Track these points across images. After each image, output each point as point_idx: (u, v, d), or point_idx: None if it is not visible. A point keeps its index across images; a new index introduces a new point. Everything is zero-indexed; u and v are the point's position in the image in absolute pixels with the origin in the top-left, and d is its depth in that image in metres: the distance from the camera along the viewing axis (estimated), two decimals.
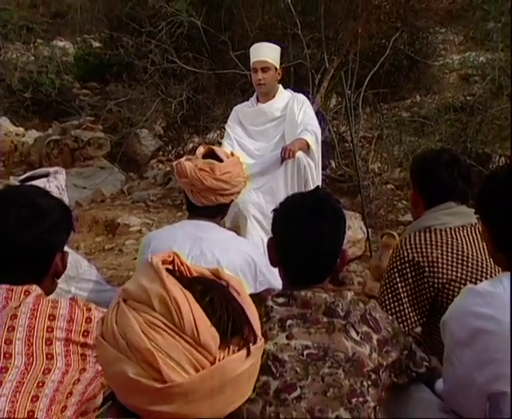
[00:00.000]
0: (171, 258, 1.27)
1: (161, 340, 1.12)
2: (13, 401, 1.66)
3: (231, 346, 1.16)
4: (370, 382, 1.92)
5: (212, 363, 1.14)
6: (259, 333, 1.23)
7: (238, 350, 1.17)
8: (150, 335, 1.12)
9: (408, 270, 2.64)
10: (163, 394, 1.12)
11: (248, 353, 1.18)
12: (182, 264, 1.28)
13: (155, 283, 1.16)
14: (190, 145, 7.74)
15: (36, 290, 1.85)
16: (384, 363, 1.98)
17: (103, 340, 1.18)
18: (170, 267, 1.25)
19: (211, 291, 1.19)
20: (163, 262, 1.24)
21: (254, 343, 1.20)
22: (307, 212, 2.03)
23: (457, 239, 2.67)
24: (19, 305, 1.79)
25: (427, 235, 2.69)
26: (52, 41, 10.43)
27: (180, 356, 1.12)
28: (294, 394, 1.86)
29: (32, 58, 9.67)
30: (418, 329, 2.71)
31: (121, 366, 1.14)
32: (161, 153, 8.16)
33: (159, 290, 1.15)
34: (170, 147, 8.01)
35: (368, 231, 5.23)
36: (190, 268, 1.28)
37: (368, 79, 6.87)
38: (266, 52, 4.61)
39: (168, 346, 1.12)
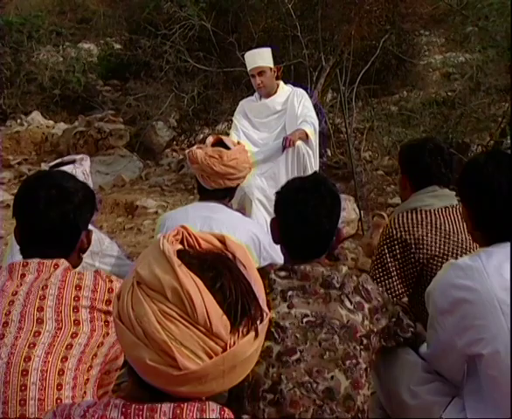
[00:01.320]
0: (180, 235, 1.22)
1: (175, 331, 1.09)
2: (45, 362, 1.67)
3: (240, 330, 1.13)
4: (362, 346, 1.92)
5: (224, 349, 1.11)
6: (265, 306, 1.20)
7: (247, 332, 1.14)
8: (165, 325, 1.09)
9: (396, 246, 2.64)
10: (179, 379, 1.10)
11: (256, 335, 1.15)
12: (190, 235, 1.23)
13: (169, 274, 1.11)
14: (201, 135, 7.73)
15: (64, 263, 1.84)
16: (375, 329, 1.98)
17: (121, 322, 1.14)
18: (180, 246, 1.20)
19: (221, 277, 1.14)
20: (173, 241, 1.19)
21: (261, 320, 1.17)
22: (307, 194, 2.03)
23: (440, 219, 2.67)
24: (49, 277, 1.79)
25: (414, 215, 2.68)
26: (79, 44, 10.43)
27: (194, 345, 1.09)
28: (295, 357, 1.87)
29: (61, 59, 9.70)
30: (405, 299, 2.71)
31: (138, 351, 1.11)
32: (174, 142, 8.15)
33: (172, 282, 1.10)
34: (183, 138, 8.01)
35: (360, 212, 5.22)
36: (198, 238, 1.23)
37: (360, 76, 6.86)
38: (259, 58, 4.60)
39: (182, 336, 1.09)
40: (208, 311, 1.09)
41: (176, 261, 1.12)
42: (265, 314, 1.19)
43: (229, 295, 1.13)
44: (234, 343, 1.12)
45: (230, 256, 1.21)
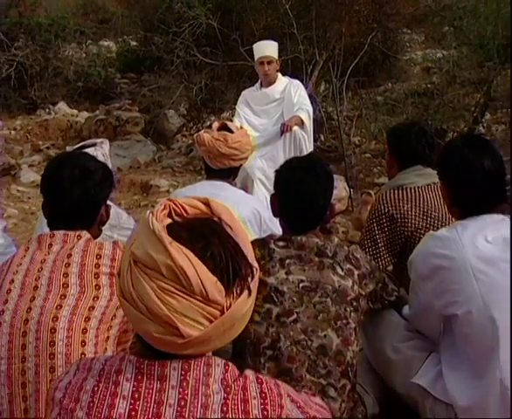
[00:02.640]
0: (168, 208, 1.17)
1: (175, 303, 1.05)
2: (71, 321, 1.67)
3: (234, 291, 1.10)
4: (351, 308, 1.92)
5: (222, 312, 1.08)
6: (254, 262, 1.15)
7: (241, 292, 1.10)
8: (165, 300, 1.05)
9: (384, 220, 2.63)
10: (184, 345, 1.08)
11: (249, 293, 1.12)
12: (176, 205, 1.18)
13: (161, 253, 1.06)
14: (208, 122, 7.69)
15: (86, 235, 1.84)
16: (363, 293, 1.98)
17: (125, 300, 1.11)
18: (169, 220, 1.15)
19: (211, 245, 1.09)
20: (162, 218, 1.14)
21: (252, 276, 1.13)
22: (303, 173, 2.01)
23: (423, 195, 2.65)
24: (73, 247, 1.79)
25: (400, 192, 2.67)
26: (99, 41, 10.41)
27: (194, 314, 1.06)
28: (292, 318, 1.88)
29: (84, 55, 9.70)
30: (390, 267, 2.71)
31: (144, 325, 1.09)
32: (184, 129, 8.10)
33: (166, 260, 1.06)
34: (192, 124, 7.97)
35: (350, 191, 5.20)
36: (185, 206, 1.19)
37: (350, 70, 6.81)
38: (269, 49, 4.63)
39: (182, 308, 1.06)
40: (202, 280, 1.06)
41: (167, 238, 1.08)
42: (255, 270, 1.15)
43: (219, 261, 1.09)
44: (230, 305, 1.09)
45: (216, 219, 1.17)
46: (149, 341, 1.12)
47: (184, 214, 1.19)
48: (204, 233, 1.12)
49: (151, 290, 1.06)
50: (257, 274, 1.16)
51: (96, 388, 1.11)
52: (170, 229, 1.12)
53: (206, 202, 1.21)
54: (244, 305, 1.11)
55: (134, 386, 1.10)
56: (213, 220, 1.17)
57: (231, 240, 1.13)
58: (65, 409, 1.11)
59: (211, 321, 1.08)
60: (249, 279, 1.12)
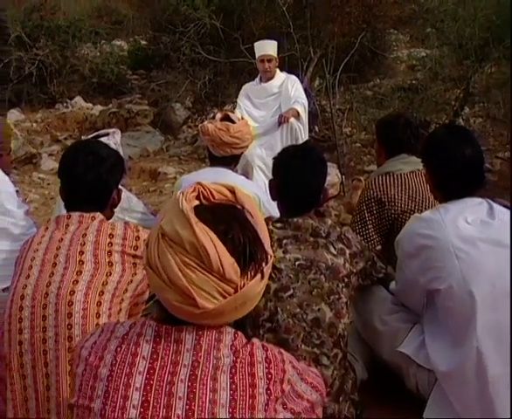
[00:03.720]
0: (196, 191, 1.17)
1: (194, 277, 1.07)
2: (86, 295, 1.67)
3: (249, 273, 1.11)
4: (343, 284, 1.91)
5: (235, 290, 1.09)
6: (269, 249, 1.17)
7: (255, 275, 1.12)
8: (186, 273, 1.07)
9: (373, 204, 2.61)
10: (199, 316, 1.09)
11: (262, 277, 1.13)
12: (205, 189, 1.18)
13: (187, 230, 1.07)
14: (212, 114, 7.63)
15: (99, 216, 1.82)
16: (354, 270, 1.97)
17: (150, 269, 1.13)
18: (197, 202, 1.16)
19: (232, 229, 1.10)
20: (190, 198, 1.14)
21: (266, 262, 1.14)
22: (299, 159, 1.99)
23: (409, 181, 2.63)
24: (88, 227, 1.78)
25: (387, 178, 2.64)
26: (112, 41, 10.38)
27: (210, 288, 1.08)
28: (288, 293, 1.86)
29: (98, 53, 9.68)
30: (379, 247, 2.69)
31: (165, 293, 1.10)
32: (190, 120, 8.06)
33: (190, 237, 1.07)
34: (197, 116, 7.93)
35: (342, 177, 5.18)
36: (212, 191, 1.18)
37: (342, 66, 6.77)
38: (270, 47, 4.60)
39: (200, 282, 1.07)
40: (221, 260, 1.07)
41: (193, 218, 1.09)
42: (269, 257, 1.16)
43: (238, 244, 1.10)
44: (244, 285, 1.10)
45: (239, 207, 1.18)
46: (169, 308, 1.13)
47: (211, 198, 1.18)
48: (227, 218, 1.13)
49: (174, 262, 1.08)
50: (271, 260, 1.17)
51: (119, 349, 1.12)
52: (197, 210, 1.13)
53: (232, 190, 1.21)
54: (256, 286, 1.13)
55: (152, 347, 1.11)
56: (236, 207, 1.17)
57: (250, 227, 1.14)
58: (91, 366, 1.12)
59: (225, 297, 1.09)
60: (263, 264, 1.14)
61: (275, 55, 4.58)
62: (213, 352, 1.10)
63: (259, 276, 1.12)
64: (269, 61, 4.54)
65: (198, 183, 1.19)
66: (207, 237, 1.07)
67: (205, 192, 1.18)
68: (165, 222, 1.12)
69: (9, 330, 1.68)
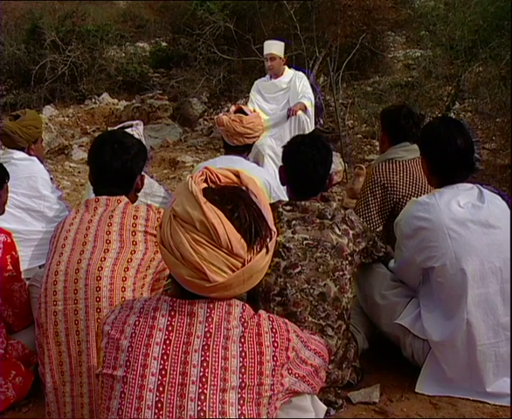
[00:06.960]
0: (204, 175, 1.16)
1: (205, 253, 1.06)
2: (113, 271, 1.67)
3: (254, 248, 1.10)
4: (347, 262, 1.89)
5: (243, 264, 1.09)
6: (272, 226, 1.15)
7: (260, 249, 1.10)
8: (197, 249, 1.06)
9: (376, 188, 2.55)
10: (210, 289, 1.09)
11: (267, 251, 1.12)
12: (212, 173, 1.16)
13: (197, 210, 1.07)
14: (225, 109, 7.64)
15: (124, 199, 1.81)
16: (357, 249, 1.95)
17: (164, 247, 1.12)
18: (205, 185, 1.14)
19: (238, 208, 1.09)
20: (199, 182, 1.13)
21: (270, 237, 1.13)
22: (306, 147, 1.95)
23: (409, 168, 2.57)
24: (114, 209, 1.77)
25: (390, 164, 2.58)
26: (136, 43, 10.40)
27: (219, 263, 1.07)
28: (297, 270, 1.85)
29: (123, 54, 9.71)
30: (380, 228, 2.65)
31: (178, 269, 1.09)
32: (206, 114, 8.04)
33: (200, 216, 1.06)
34: (212, 110, 7.93)
35: (345, 165, 5.15)
36: (219, 175, 1.17)
37: (344, 65, 6.70)
38: (273, 47, 4.61)
39: (210, 257, 1.06)
40: (229, 236, 1.06)
41: (202, 199, 1.08)
42: (273, 233, 1.15)
43: (244, 222, 1.09)
44: (250, 259, 1.09)
45: (244, 188, 1.16)
46: (182, 283, 1.12)
47: (218, 181, 1.17)
48: (233, 198, 1.11)
49: (186, 240, 1.07)
50: (275, 236, 1.15)
51: (137, 322, 1.12)
52: (205, 192, 1.11)
53: (237, 174, 1.20)
54: (262, 260, 1.12)
55: (168, 320, 1.10)
56: (241, 188, 1.16)
57: (255, 206, 1.13)
58: (112, 339, 1.12)
59: (233, 271, 1.08)
60: (268, 240, 1.13)
61: (279, 54, 4.56)
62: (224, 323, 1.09)
63: (264, 250, 1.11)
64: (272, 59, 4.54)
65: (206, 168, 1.18)
66: (215, 216, 1.06)
67: (212, 176, 1.17)
68: (176, 203, 1.11)
69: (45, 302, 1.69)
